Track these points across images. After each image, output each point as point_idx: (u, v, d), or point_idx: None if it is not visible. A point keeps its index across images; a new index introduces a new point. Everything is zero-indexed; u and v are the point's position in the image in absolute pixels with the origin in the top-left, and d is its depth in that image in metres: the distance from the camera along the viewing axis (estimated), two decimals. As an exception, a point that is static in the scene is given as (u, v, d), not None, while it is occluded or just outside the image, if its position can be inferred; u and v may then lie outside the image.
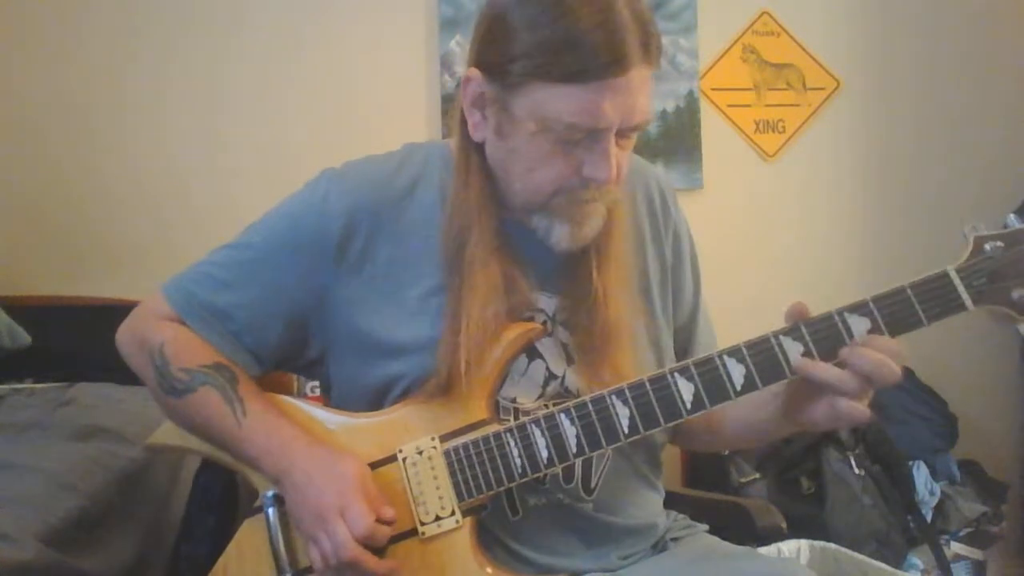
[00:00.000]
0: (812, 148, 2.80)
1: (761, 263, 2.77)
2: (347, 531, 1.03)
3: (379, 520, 1.05)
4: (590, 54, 0.99)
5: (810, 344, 1.03)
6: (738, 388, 1.04)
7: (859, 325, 1.02)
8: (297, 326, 1.17)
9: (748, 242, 2.76)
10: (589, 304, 1.14)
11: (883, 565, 1.56)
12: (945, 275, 1.01)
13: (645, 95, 1.04)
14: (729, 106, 2.75)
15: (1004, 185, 2.75)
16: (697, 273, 1.34)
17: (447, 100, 2.50)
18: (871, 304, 1.02)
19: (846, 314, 1.02)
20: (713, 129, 2.73)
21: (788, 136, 2.78)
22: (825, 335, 1.03)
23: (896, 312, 1.01)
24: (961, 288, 1.01)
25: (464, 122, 1.12)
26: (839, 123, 2.81)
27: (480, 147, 1.12)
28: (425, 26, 2.60)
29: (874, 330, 1.02)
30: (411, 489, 1.11)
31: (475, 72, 1.08)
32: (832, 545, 1.63)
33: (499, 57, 1.04)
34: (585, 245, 1.12)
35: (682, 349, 1.30)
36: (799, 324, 1.03)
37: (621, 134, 1.05)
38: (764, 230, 2.78)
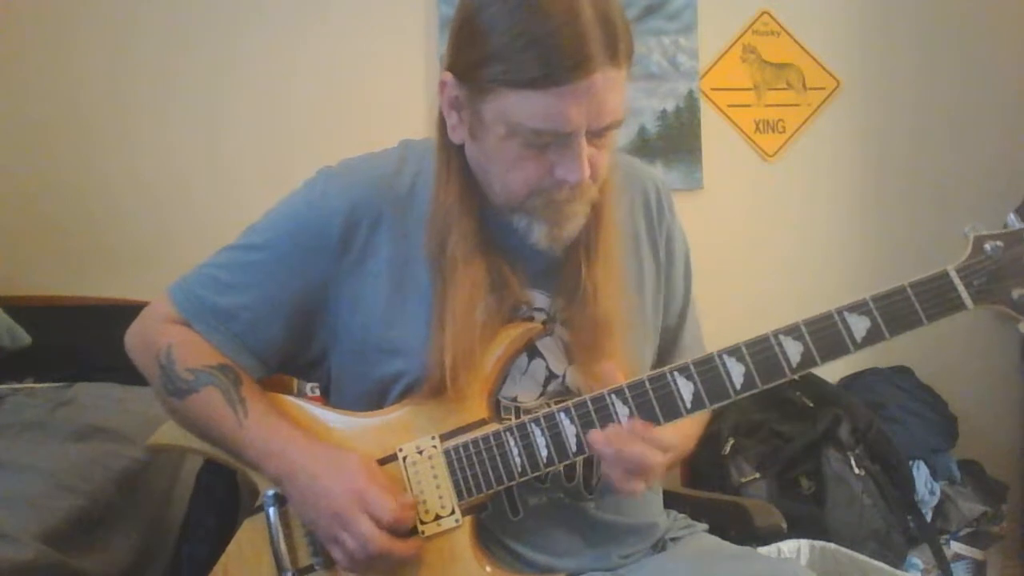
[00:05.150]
0: (812, 148, 2.80)
1: (761, 263, 2.77)
2: (371, 524, 1.03)
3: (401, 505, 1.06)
4: (552, 58, 0.98)
5: (810, 343, 1.03)
6: (738, 387, 1.05)
7: (859, 324, 1.02)
8: (301, 325, 1.17)
9: (748, 242, 2.76)
10: (579, 300, 1.14)
11: (883, 565, 1.56)
12: (945, 275, 1.02)
13: (615, 95, 1.03)
14: (729, 106, 2.75)
15: (1003, 184, 2.75)
16: (689, 276, 1.34)
17: (446, 100, 2.50)
18: (871, 303, 1.02)
19: (846, 313, 1.03)
20: (713, 129, 2.73)
21: (788, 136, 2.78)
22: (825, 334, 1.03)
23: (895, 311, 1.02)
24: (961, 287, 1.01)
25: (443, 124, 1.12)
26: (839, 123, 2.81)
27: (459, 148, 1.13)
28: (425, 26, 2.60)
29: (873, 328, 1.02)
30: (411, 488, 1.11)
31: (448, 75, 1.08)
32: (832, 545, 1.63)
33: (469, 62, 1.04)
34: (570, 243, 1.12)
35: (666, 349, 1.30)
36: (799, 323, 1.04)
37: (593, 134, 1.04)
38: (764, 230, 2.78)
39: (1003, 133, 2.84)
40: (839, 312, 1.03)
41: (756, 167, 2.78)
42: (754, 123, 2.77)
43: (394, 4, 2.59)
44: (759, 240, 2.77)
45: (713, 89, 2.74)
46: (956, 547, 2.47)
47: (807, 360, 1.04)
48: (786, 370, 1.04)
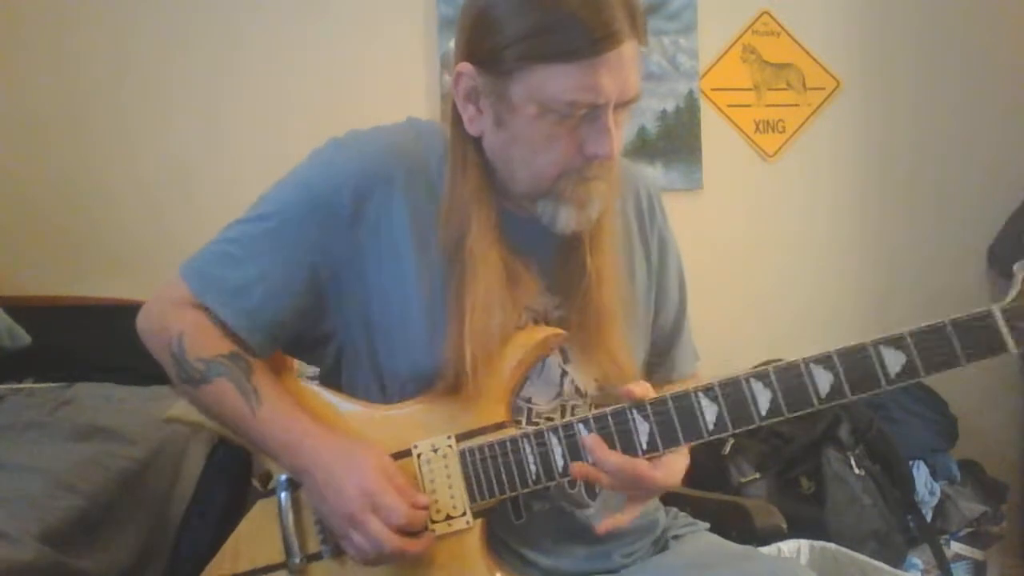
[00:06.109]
0: (812, 148, 2.80)
1: (761, 263, 2.76)
2: (381, 526, 1.02)
3: (413, 507, 1.05)
4: (583, 31, 1.00)
5: (841, 375, 1.00)
6: (763, 414, 1.02)
7: (894, 359, 0.98)
8: (313, 296, 1.14)
9: (748, 242, 2.76)
10: (583, 289, 1.14)
11: (883, 565, 1.56)
12: (989, 315, 0.97)
13: (636, 69, 1.05)
14: (729, 106, 2.75)
15: (1004, 185, 2.75)
16: (683, 285, 1.34)
17: (447, 100, 2.50)
18: (908, 338, 0.98)
19: (881, 347, 0.99)
20: (713, 129, 2.73)
21: (788, 136, 2.78)
22: (857, 366, 0.99)
23: (933, 349, 0.97)
24: (1004, 330, 0.96)
25: (457, 118, 1.12)
26: (839, 123, 2.81)
27: (475, 141, 1.12)
28: (425, 26, 2.60)
29: (908, 365, 0.98)
30: (424, 486, 1.10)
31: (466, 66, 1.08)
32: (832, 545, 1.63)
33: (490, 47, 1.04)
34: (581, 230, 1.12)
35: (659, 355, 1.30)
36: (832, 353, 1.00)
37: (616, 109, 1.06)
38: (764, 230, 2.78)
39: (1003, 133, 2.84)
40: (875, 345, 0.99)
41: (756, 167, 2.78)
42: (754, 123, 2.77)
43: (394, 4, 2.59)
44: (759, 240, 2.77)
45: (713, 89, 2.74)
46: (956, 547, 2.47)
47: (836, 392, 1.00)
48: (814, 400, 1.00)
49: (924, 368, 0.98)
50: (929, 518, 2.42)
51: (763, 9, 2.76)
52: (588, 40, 1.00)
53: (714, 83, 2.74)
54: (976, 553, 2.49)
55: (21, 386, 2.03)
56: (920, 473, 2.46)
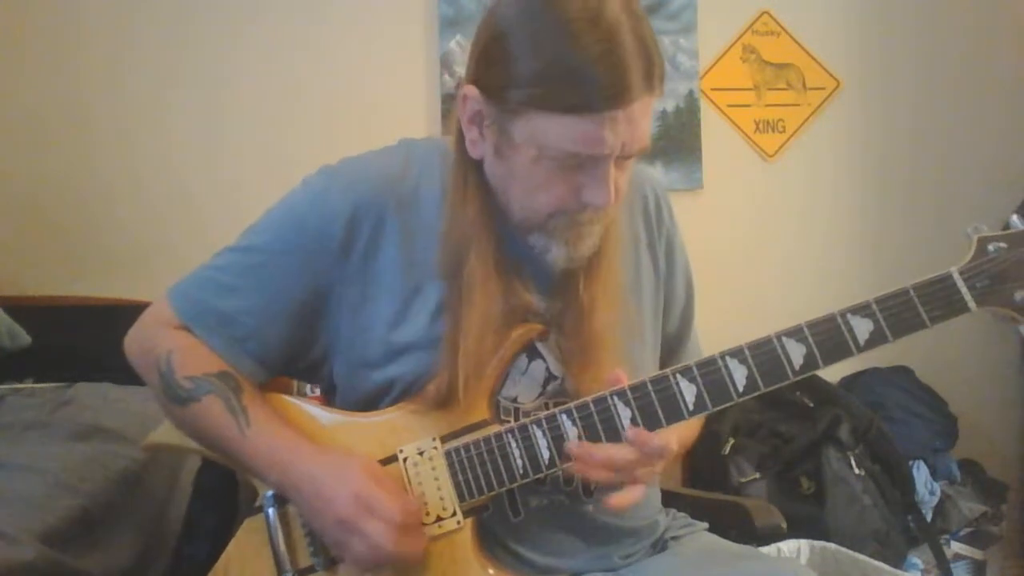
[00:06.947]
0: (812, 148, 2.80)
1: (761, 263, 2.77)
2: (381, 527, 1.02)
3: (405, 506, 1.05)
4: (592, 88, 0.97)
5: (812, 346, 1.03)
6: (740, 389, 1.04)
7: (862, 326, 1.02)
8: (302, 327, 1.15)
9: (748, 242, 2.76)
10: (575, 313, 1.14)
11: (883, 565, 1.56)
12: (948, 277, 1.02)
13: (646, 122, 1.03)
14: (729, 106, 2.75)
15: (1004, 184, 2.75)
16: (690, 288, 1.33)
17: (447, 100, 2.51)
18: (874, 305, 1.02)
19: (849, 315, 1.03)
20: (713, 129, 2.73)
21: (788, 136, 2.78)
22: (827, 336, 1.03)
23: (898, 313, 1.02)
24: (964, 289, 1.01)
25: (461, 136, 1.11)
26: (839, 123, 2.81)
27: (478, 163, 1.11)
28: (425, 26, 2.60)
29: (876, 330, 1.02)
30: (412, 490, 1.10)
31: (472, 90, 1.06)
32: (832, 545, 1.63)
33: (498, 81, 1.03)
34: (572, 267, 1.12)
35: (667, 356, 1.30)
36: (802, 326, 1.04)
37: (621, 158, 1.04)
38: (764, 230, 2.78)
39: (1003, 133, 2.84)
40: (842, 314, 1.03)
41: (756, 167, 2.78)
42: (754, 123, 2.77)
43: (394, 4, 2.60)
44: (759, 240, 2.77)
45: (713, 89, 2.74)
46: (956, 547, 2.47)
47: (810, 362, 1.03)
48: (789, 372, 1.04)
49: (892, 332, 1.02)
50: (929, 518, 2.42)
51: (763, 9, 2.76)
52: (598, 96, 0.97)
53: (714, 83, 2.74)
54: (976, 553, 2.49)
55: (21, 386, 2.03)
56: (920, 473, 2.46)
